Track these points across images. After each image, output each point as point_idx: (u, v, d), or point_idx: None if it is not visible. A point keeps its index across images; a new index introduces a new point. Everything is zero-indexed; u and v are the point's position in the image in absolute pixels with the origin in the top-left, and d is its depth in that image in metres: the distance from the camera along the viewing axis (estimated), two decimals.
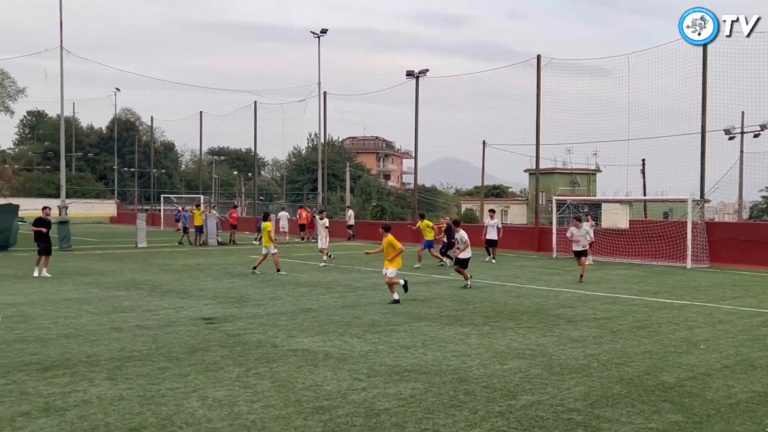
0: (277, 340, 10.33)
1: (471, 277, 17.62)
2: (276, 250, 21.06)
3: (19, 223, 30.38)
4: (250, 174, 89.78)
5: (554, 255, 28.22)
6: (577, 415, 6.80)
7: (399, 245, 14.55)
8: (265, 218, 22.25)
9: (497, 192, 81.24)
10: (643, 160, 47.21)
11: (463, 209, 68.31)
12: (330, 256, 24.23)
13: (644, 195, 45.50)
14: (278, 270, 20.55)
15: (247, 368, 8.53)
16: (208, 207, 39.46)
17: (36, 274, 19.10)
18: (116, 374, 8.17)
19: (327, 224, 24.89)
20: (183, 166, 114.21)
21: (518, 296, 15.91)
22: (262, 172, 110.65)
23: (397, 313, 13.07)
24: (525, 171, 69.37)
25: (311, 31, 43.16)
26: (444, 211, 65.39)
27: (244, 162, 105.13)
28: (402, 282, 14.78)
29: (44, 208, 21.00)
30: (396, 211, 64.98)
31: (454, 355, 9.46)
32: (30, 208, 43.67)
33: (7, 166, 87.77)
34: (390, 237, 14.61)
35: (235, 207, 45.95)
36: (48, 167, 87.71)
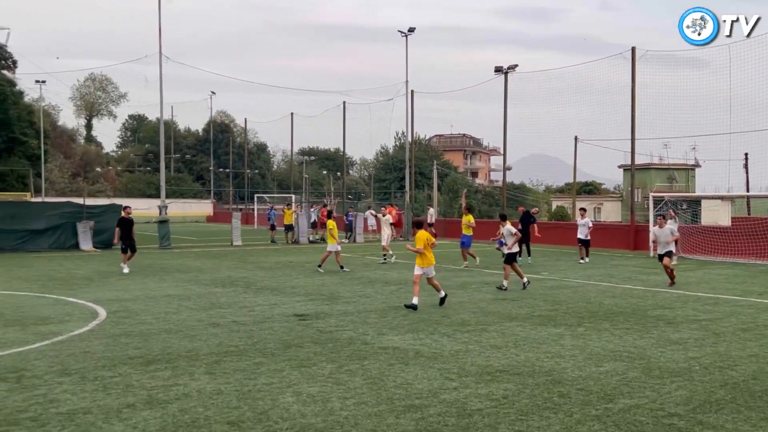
0: (368, 338, 10.42)
1: (525, 280, 16.56)
2: (333, 249, 20.94)
3: None
4: (339, 173, 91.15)
5: (651, 254, 27.20)
6: (679, 421, 6.54)
7: (417, 245, 13.28)
8: (329, 216, 22.51)
9: (589, 189, 79.29)
10: (746, 155, 44.94)
11: (553, 207, 66.97)
12: (385, 259, 23.92)
13: (747, 191, 43.25)
14: (319, 266, 20.74)
15: (339, 365, 8.65)
16: (299, 206, 40.29)
17: (126, 270, 20.01)
18: (215, 369, 8.44)
19: (391, 220, 25.03)
20: (275, 167, 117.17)
21: (614, 296, 15.44)
22: (351, 171, 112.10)
23: (487, 313, 12.94)
24: (619, 167, 67.39)
25: (399, 30, 43.25)
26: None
27: (333, 161, 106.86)
28: (415, 301, 13.27)
29: (125, 207, 21.96)
30: (484, 209, 64.38)
31: (547, 356, 9.28)
32: (133, 208, 45.74)
33: (110, 168, 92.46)
34: (419, 233, 13.44)
35: (325, 206, 46.69)
36: (148, 168, 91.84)
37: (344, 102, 51.54)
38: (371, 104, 71.51)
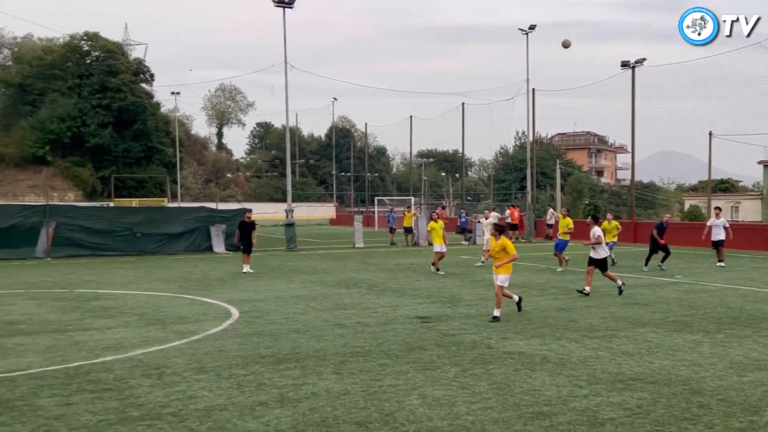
0: (492, 342, 10.28)
1: (622, 284, 15.58)
2: (437, 250, 21.22)
3: None
4: (457, 175, 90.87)
5: None
6: None
7: (513, 251, 12.41)
8: (432, 218, 22.79)
9: (725, 187, 74.73)
10: None
11: (686, 206, 63.65)
12: (482, 263, 22.88)
13: None
14: (437, 269, 20.82)
15: (463, 368, 8.58)
16: (419, 208, 40.46)
17: (245, 270, 21.16)
18: (341, 369, 8.61)
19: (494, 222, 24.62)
20: (394, 169, 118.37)
21: (755, 301, 14.43)
22: (469, 173, 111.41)
23: (617, 318, 12.45)
24: (759, 163, 63.21)
25: (519, 29, 42.49)
26: (665, 208, 61.29)
27: (451, 163, 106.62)
28: (516, 298, 12.92)
29: (246, 212, 23.51)
30: (610, 210, 62.13)
31: (684, 364, 8.79)
32: (261, 211, 47.67)
33: (239, 173, 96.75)
34: (504, 240, 12.51)
35: (443, 207, 46.64)
36: (275, 173, 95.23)
37: (463, 103, 51.30)
38: (491, 104, 70.63)
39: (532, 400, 7.20)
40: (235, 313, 13.25)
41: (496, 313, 12.26)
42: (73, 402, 7.28)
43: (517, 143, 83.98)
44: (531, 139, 47.64)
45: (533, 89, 43.09)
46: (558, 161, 66.38)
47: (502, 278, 12.42)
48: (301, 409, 6.98)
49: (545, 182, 69.52)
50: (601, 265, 15.50)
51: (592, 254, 15.54)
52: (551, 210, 42.04)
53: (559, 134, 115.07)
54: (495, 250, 12.60)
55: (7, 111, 74.03)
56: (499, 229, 12.92)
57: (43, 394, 7.56)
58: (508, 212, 39.57)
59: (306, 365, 8.83)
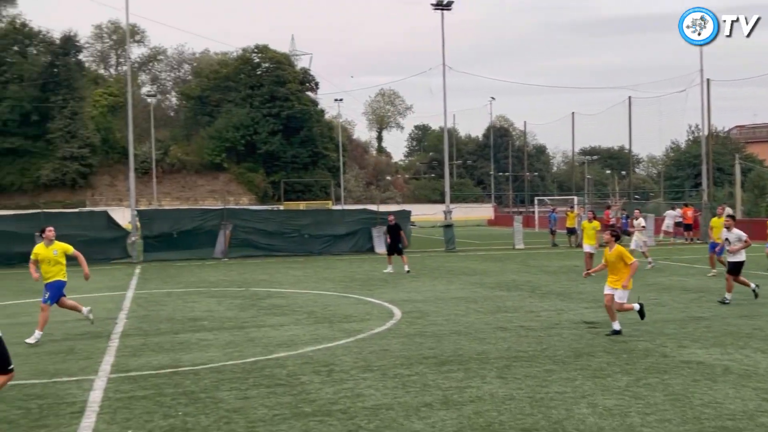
0: (667, 350, 9.69)
1: (757, 286, 14.22)
2: (590, 250, 20.28)
3: (411, 227, 33.68)
4: (623, 172, 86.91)
5: None
6: None
7: (632, 259, 10.80)
8: (592, 218, 21.71)
9: None
10: None
11: None
12: (650, 264, 21.63)
13: None
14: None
15: (636, 377, 8.15)
16: (582, 208, 39.08)
17: (389, 270, 21.67)
18: (505, 373, 8.47)
19: (643, 224, 23.00)
20: (554, 168, 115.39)
21: None
22: (637, 170, 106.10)
23: None
24: None
25: None
26: None
27: (617, 160, 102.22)
28: (636, 306, 11.18)
29: (389, 214, 24.64)
30: None
31: None
32: (419, 213, 48.29)
33: (398, 176, 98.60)
34: (620, 248, 10.87)
35: (609, 207, 44.78)
36: (433, 175, 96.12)
37: (629, 97, 48.96)
38: (660, 97, 67.02)
39: (714, 414, 6.69)
40: (397, 313, 13.47)
41: (616, 327, 10.87)
42: (250, 396, 7.72)
43: (691, 137, 78.75)
44: (706, 132, 44.51)
45: (708, 79, 40.24)
46: (737, 156, 61.41)
47: (620, 294, 10.80)
48: (465, 412, 6.94)
49: (722, 179, 64.61)
50: (735, 268, 14.04)
51: (731, 258, 14.13)
52: (728, 209, 39.01)
53: (737, 126, 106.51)
54: (610, 260, 10.89)
55: (188, 122, 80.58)
56: (615, 235, 11.17)
57: (223, 387, 8.08)
58: (680, 212, 37.24)
59: (469, 368, 8.78)
